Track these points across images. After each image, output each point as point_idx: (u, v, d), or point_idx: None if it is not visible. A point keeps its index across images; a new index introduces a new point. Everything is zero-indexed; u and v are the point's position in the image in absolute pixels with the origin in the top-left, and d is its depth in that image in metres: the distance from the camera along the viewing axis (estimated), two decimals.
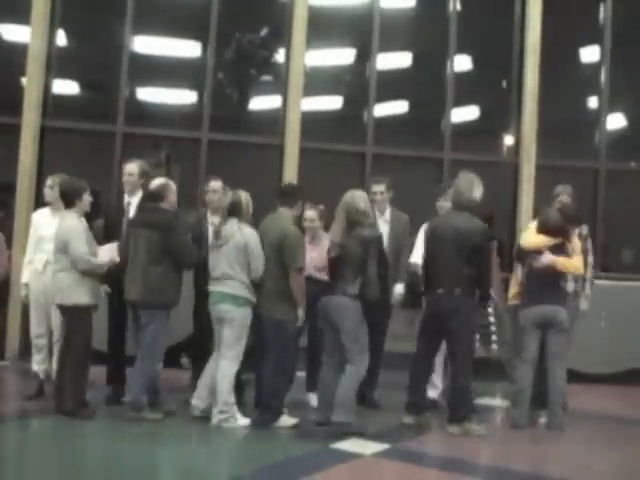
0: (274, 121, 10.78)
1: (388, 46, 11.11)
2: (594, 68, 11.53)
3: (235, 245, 6.71)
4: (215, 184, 7.67)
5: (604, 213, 10.74)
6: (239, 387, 7.09)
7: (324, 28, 10.94)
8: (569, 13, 11.44)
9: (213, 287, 6.84)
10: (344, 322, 6.66)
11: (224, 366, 6.70)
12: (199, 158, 10.37)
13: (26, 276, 7.52)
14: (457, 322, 6.76)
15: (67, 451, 5.91)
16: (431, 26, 11.61)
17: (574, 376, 8.49)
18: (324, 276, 7.20)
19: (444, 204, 7.75)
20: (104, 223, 7.60)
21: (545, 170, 10.75)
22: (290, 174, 10.20)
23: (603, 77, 11.38)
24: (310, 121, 10.53)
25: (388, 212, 7.89)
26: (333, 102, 11.46)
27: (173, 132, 10.58)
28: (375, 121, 10.90)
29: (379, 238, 6.97)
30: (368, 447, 6.19)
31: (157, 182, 7.10)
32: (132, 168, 7.54)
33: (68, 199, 6.94)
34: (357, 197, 6.89)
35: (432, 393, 7.79)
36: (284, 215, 7.00)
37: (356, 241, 6.68)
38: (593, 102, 11.66)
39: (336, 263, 6.80)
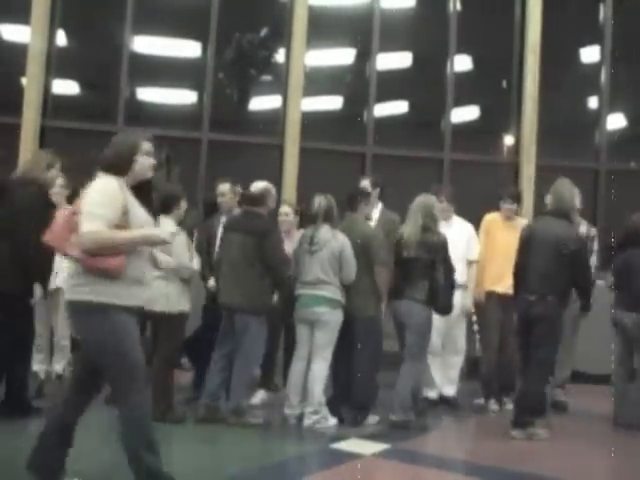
0: (274, 121, 10.78)
1: (388, 46, 11.11)
2: (594, 68, 11.54)
3: (330, 251, 6.83)
4: (223, 187, 7.66)
5: (604, 213, 10.74)
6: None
7: (324, 28, 10.95)
8: (569, 13, 11.45)
9: (305, 290, 6.93)
10: (411, 320, 6.87)
11: (317, 368, 6.82)
12: (199, 158, 10.38)
13: None
14: (545, 329, 6.72)
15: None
16: (431, 26, 11.61)
17: (575, 376, 8.50)
18: None
19: (441, 205, 7.81)
20: None
21: (545, 170, 10.74)
22: (290, 174, 10.21)
23: (603, 77, 11.39)
24: (310, 121, 10.53)
25: (378, 209, 7.84)
26: (333, 102, 11.46)
27: (173, 132, 10.55)
28: (375, 121, 10.91)
29: (445, 244, 7.01)
30: (368, 447, 6.18)
31: (259, 185, 7.07)
32: None
33: (166, 205, 6.92)
34: (433, 201, 7.11)
35: (432, 393, 7.83)
36: (360, 219, 7.18)
37: (426, 246, 6.83)
38: (593, 102, 11.67)
39: (405, 265, 6.95)
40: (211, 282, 7.44)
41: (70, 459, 4.71)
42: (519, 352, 7.08)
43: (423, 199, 7.12)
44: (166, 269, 6.72)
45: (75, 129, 10.20)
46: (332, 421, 6.82)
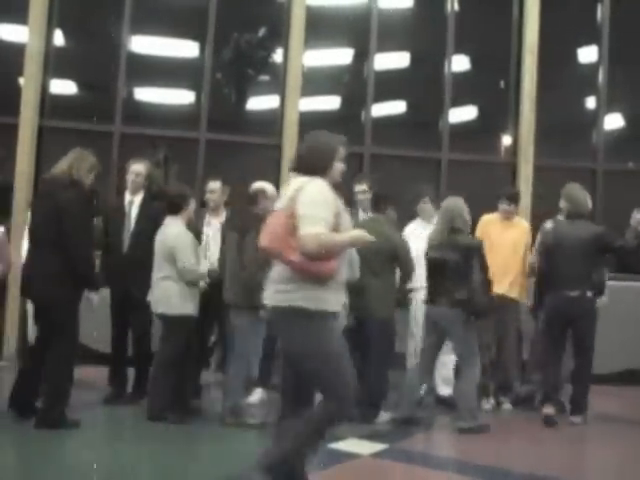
0: (272, 121, 10.77)
1: (386, 46, 11.10)
2: (592, 68, 11.54)
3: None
4: (214, 185, 7.69)
5: (602, 213, 10.73)
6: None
7: (322, 28, 10.94)
8: (567, 13, 11.44)
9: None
10: (453, 329, 6.92)
11: None
12: (197, 158, 10.37)
13: None
14: (588, 321, 7.28)
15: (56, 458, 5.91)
16: (429, 26, 11.61)
17: None
18: None
19: (425, 206, 7.93)
20: (103, 223, 7.60)
21: (543, 170, 10.75)
22: (288, 175, 10.18)
23: (601, 77, 11.39)
24: (308, 121, 10.51)
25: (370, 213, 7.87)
26: (331, 102, 11.45)
27: (171, 132, 10.56)
28: (373, 121, 10.91)
29: (480, 246, 7.06)
30: (366, 447, 6.19)
31: (255, 185, 7.11)
32: (139, 168, 7.54)
33: (174, 205, 6.91)
34: (463, 204, 7.16)
35: (447, 390, 7.82)
36: (382, 220, 7.18)
37: (458, 248, 6.87)
38: (591, 102, 11.67)
39: (434, 267, 7.02)
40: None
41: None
42: (549, 347, 7.37)
43: (452, 201, 7.20)
44: (167, 270, 6.74)
45: (73, 129, 10.17)
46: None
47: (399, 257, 7.05)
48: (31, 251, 6.45)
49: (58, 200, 6.19)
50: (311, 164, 4.56)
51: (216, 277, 7.03)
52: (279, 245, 4.32)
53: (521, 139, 10.96)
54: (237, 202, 7.26)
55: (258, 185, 7.14)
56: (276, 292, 4.41)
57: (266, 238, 4.40)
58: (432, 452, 6.56)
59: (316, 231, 4.21)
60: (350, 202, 7.82)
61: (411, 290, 7.64)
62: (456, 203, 7.17)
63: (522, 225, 8.33)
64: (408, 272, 7.15)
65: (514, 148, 11.16)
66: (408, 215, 8.26)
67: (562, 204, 7.66)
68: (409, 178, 10.10)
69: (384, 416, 7.04)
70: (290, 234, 4.28)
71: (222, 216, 7.60)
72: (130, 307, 7.30)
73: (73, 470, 5.38)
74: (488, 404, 7.85)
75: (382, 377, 7.04)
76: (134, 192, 7.51)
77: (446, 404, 7.81)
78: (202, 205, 7.93)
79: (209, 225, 7.57)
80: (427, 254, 7.12)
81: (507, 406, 7.92)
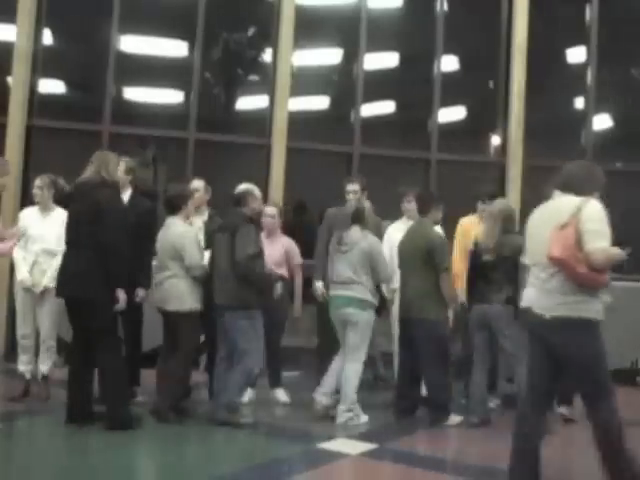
0: (261, 121, 10.76)
1: (375, 46, 11.11)
2: (581, 68, 11.58)
3: (360, 251, 7.01)
4: (197, 183, 7.74)
5: None
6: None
7: (311, 28, 10.94)
8: (556, 13, 11.49)
9: (337, 291, 7.14)
10: (502, 326, 7.01)
11: (349, 368, 6.99)
12: (186, 158, 10.34)
13: (23, 271, 7.42)
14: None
15: (49, 454, 5.90)
16: (418, 26, 11.63)
17: None
18: (283, 271, 7.64)
19: (408, 205, 8.03)
20: None
21: (532, 170, 10.77)
22: (277, 174, 10.19)
23: (589, 78, 11.43)
24: (297, 121, 10.52)
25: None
26: (320, 102, 11.46)
27: (160, 132, 10.55)
28: (362, 121, 10.91)
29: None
30: (356, 447, 6.18)
31: (241, 187, 7.18)
32: (122, 165, 7.52)
33: (174, 205, 6.98)
34: (511, 206, 7.40)
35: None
36: (425, 222, 7.33)
37: (510, 248, 6.95)
38: (580, 102, 11.71)
39: (485, 268, 7.11)
40: None
41: None
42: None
43: (499, 204, 7.34)
44: (174, 268, 6.80)
45: (61, 129, 10.15)
46: (364, 418, 7.01)
47: (435, 253, 7.10)
48: (67, 252, 6.47)
49: (94, 200, 6.26)
50: (583, 185, 5.03)
51: (203, 276, 7.03)
52: (570, 258, 4.64)
53: (510, 139, 10.99)
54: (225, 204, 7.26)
55: (245, 187, 7.16)
56: (562, 304, 4.71)
57: (557, 249, 4.68)
58: (421, 452, 6.54)
59: (603, 245, 4.63)
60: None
61: (394, 290, 7.68)
62: (506, 205, 7.36)
63: None
64: (441, 270, 7.19)
65: (503, 148, 11.19)
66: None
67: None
68: (398, 178, 10.11)
69: (454, 419, 7.14)
70: (577, 247, 4.64)
71: (205, 215, 7.61)
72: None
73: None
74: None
75: (440, 379, 7.13)
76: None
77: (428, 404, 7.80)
78: None
79: (192, 224, 7.57)
80: (478, 258, 7.20)
81: (493, 405, 7.93)
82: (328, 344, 7.56)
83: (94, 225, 6.20)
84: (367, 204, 7.86)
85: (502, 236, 7.08)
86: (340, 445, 6.21)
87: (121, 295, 6.39)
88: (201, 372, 8.04)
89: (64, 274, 6.39)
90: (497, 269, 7.07)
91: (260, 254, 6.84)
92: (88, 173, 6.48)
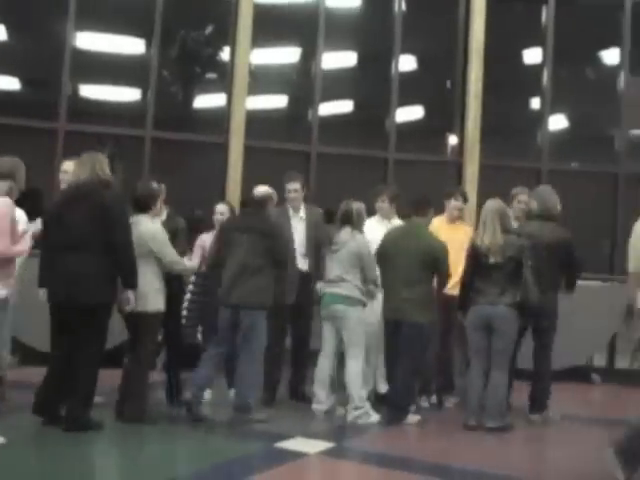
0: (219, 119, 10.73)
1: (333, 45, 11.13)
2: (537, 69, 11.68)
3: (349, 251, 7.17)
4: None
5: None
6: (178, 387, 7.23)
7: (270, 26, 10.92)
8: (513, 15, 11.59)
9: (327, 289, 7.29)
10: (505, 328, 7.06)
11: (350, 366, 7.13)
12: (143, 156, 10.28)
13: None
14: (549, 322, 7.47)
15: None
16: (376, 26, 11.65)
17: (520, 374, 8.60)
18: None
19: (382, 205, 8.03)
20: (43, 222, 7.49)
21: (489, 170, 10.87)
22: (235, 173, 10.18)
23: (545, 78, 11.53)
24: (255, 120, 10.51)
25: (302, 209, 7.93)
26: (278, 101, 11.45)
27: (117, 130, 10.47)
28: (320, 120, 10.91)
29: (529, 246, 7.24)
30: (313, 446, 6.18)
31: (261, 190, 7.44)
32: (68, 165, 7.43)
33: (144, 203, 6.86)
34: (504, 205, 7.37)
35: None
36: (421, 224, 7.41)
37: (513, 249, 7.07)
38: (536, 103, 11.82)
39: (490, 270, 7.11)
40: None
41: None
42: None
43: (494, 204, 7.30)
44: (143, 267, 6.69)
45: (17, 126, 10.02)
46: (375, 417, 7.10)
47: (437, 260, 7.16)
48: (66, 255, 6.23)
49: (98, 201, 6.18)
50: None
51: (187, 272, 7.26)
52: None
53: (467, 139, 11.06)
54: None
55: (265, 190, 7.46)
56: None
57: None
58: (378, 450, 6.54)
59: None
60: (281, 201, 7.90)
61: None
62: (500, 205, 7.33)
63: (465, 226, 8.47)
64: (445, 276, 7.29)
65: (460, 148, 11.26)
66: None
67: (532, 205, 7.79)
68: (356, 177, 10.14)
69: (412, 418, 7.16)
70: None
71: (163, 214, 7.53)
72: None
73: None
74: (425, 402, 7.88)
75: (412, 379, 7.21)
76: None
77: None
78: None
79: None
80: (482, 261, 7.18)
81: (449, 404, 7.98)
82: (277, 346, 7.63)
83: (101, 227, 6.12)
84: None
85: (504, 237, 7.13)
86: (297, 444, 6.20)
87: (131, 296, 6.40)
88: (158, 372, 7.98)
89: (66, 278, 6.19)
90: (502, 271, 7.09)
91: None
92: (83, 175, 6.35)
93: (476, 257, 7.20)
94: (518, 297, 7.03)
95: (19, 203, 7.40)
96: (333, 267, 7.24)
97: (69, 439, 6.03)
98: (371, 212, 8.00)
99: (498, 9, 11.14)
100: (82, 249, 6.18)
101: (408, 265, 7.12)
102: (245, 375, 6.85)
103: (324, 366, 7.29)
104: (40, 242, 7.36)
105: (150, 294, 6.67)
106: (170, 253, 6.78)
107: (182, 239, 7.35)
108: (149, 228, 6.78)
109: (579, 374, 9.83)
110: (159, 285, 6.77)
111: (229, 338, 6.91)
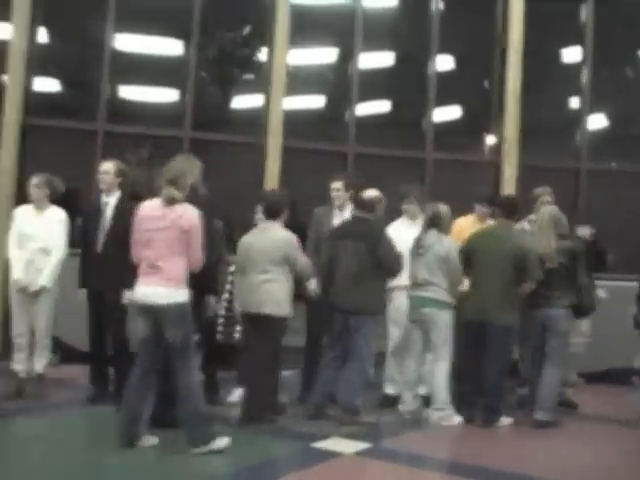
0: (256, 120, 10.75)
1: (371, 45, 11.11)
2: (576, 68, 11.59)
3: (436, 254, 7.24)
4: None
5: (585, 213, 10.77)
6: (214, 387, 7.31)
7: (307, 27, 10.93)
8: (551, 13, 11.49)
9: (415, 292, 7.36)
10: (559, 328, 7.28)
11: (437, 368, 7.21)
12: None
13: (18, 270, 7.40)
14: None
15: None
16: (413, 25, 11.62)
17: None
18: None
19: (409, 206, 8.05)
20: (82, 223, 7.58)
21: (527, 170, 10.79)
22: (272, 173, 10.20)
23: (585, 77, 11.44)
24: (292, 120, 10.53)
25: (349, 210, 7.87)
26: (315, 101, 11.46)
27: (155, 130, 10.53)
28: (357, 120, 10.91)
29: (584, 250, 7.50)
30: (350, 446, 6.20)
31: (370, 193, 7.51)
32: (107, 166, 7.50)
33: (275, 211, 7.05)
34: (558, 211, 7.54)
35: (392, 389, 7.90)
36: (511, 226, 7.55)
37: (566, 253, 7.29)
38: (575, 102, 11.72)
39: (548, 275, 7.26)
40: None
41: None
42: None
43: (550, 210, 7.54)
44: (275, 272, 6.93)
45: (56, 127, 10.14)
46: (457, 419, 7.21)
47: (527, 262, 7.20)
48: None
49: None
50: None
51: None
52: None
53: (505, 139, 10.99)
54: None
55: (375, 193, 7.56)
56: None
57: None
58: (414, 451, 6.52)
59: None
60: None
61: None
62: (555, 211, 7.51)
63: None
64: (530, 278, 7.29)
65: (498, 148, 11.19)
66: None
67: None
68: (393, 178, 10.12)
69: (505, 420, 7.25)
70: None
71: None
72: (104, 307, 7.28)
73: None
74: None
75: (501, 380, 7.27)
76: (107, 192, 7.46)
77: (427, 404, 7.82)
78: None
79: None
80: (540, 262, 7.31)
81: None
82: (315, 344, 7.71)
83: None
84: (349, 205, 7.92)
85: (560, 242, 7.31)
86: (334, 444, 6.23)
87: (211, 300, 6.87)
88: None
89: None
90: (556, 275, 7.25)
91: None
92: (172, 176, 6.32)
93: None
94: (575, 300, 7.27)
95: (60, 203, 7.53)
96: (419, 270, 7.29)
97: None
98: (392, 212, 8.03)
99: (536, 7, 11.05)
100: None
101: (496, 266, 7.21)
102: (351, 379, 6.99)
103: (411, 368, 7.38)
104: (80, 243, 7.49)
105: (282, 300, 6.89)
106: (303, 259, 7.00)
107: (219, 241, 7.32)
108: (284, 235, 6.99)
109: (619, 377, 9.74)
110: (289, 291, 6.97)
111: (339, 343, 7.13)
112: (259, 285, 6.90)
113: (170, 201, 5.79)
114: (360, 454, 6.06)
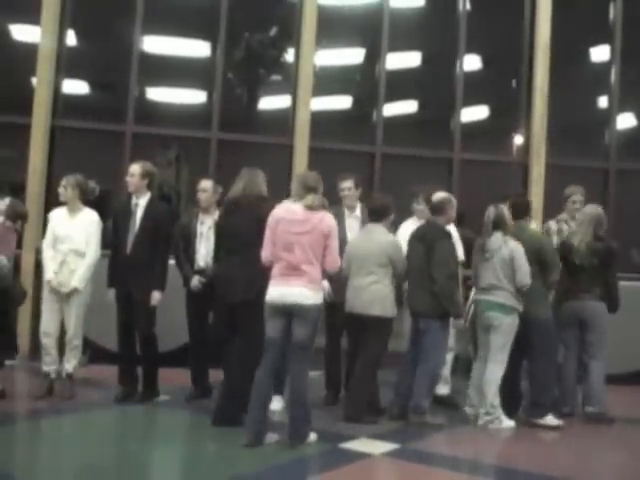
0: (283, 121, 10.78)
1: (397, 46, 11.10)
2: (604, 67, 11.52)
3: (501, 258, 7.17)
4: (205, 184, 7.80)
5: (614, 213, 10.70)
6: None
7: (333, 28, 10.95)
8: (579, 12, 11.43)
9: (481, 296, 7.33)
10: (597, 322, 7.47)
11: (491, 370, 7.16)
12: (209, 158, 10.37)
13: (51, 271, 7.46)
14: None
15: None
16: (441, 25, 11.60)
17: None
18: None
19: (419, 207, 8.00)
20: (112, 224, 7.62)
21: (555, 170, 10.74)
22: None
23: (613, 76, 11.37)
24: (319, 121, 10.53)
25: (359, 209, 7.90)
26: (342, 102, 11.46)
27: (182, 132, 10.58)
28: (384, 121, 10.90)
29: (615, 249, 7.59)
30: (377, 447, 6.19)
31: (439, 195, 7.49)
32: (134, 169, 7.54)
33: (381, 214, 7.24)
34: (601, 212, 7.65)
35: (444, 389, 7.84)
36: (525, 225, 7.53)
37: (600, 255, 7.45)
38: (603, 101, 11.65)
39: (578, 270, 7.47)
40: (194, 282, 7.57)
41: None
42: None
43: (593, 209, 7.64)
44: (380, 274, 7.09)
45: (85, 129, 10.22)
46: (507, 422, 7.15)
47: (546, 253, 7.27)
48: (227, 259, 6.72)
49: (258, 212, 6.48)
50: None
51: (210, 276, 7.31)
52: None
53: (533, 138, 10.95)
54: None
55: (444, 195, 7.50)
56: None
57: None
58: (442, 452, 6.51)
59: None
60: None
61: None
62: (599, 212, 7.60)
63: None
64: (552, 268, 7.34)
65: (526, 147, 11.15)
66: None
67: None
68: (421, 178, 10.09)
69: (552, 420, 7.22)
70: None
71: (215, 214, 7.59)
72: (133, 308, 7.32)
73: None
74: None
75: (548, 376, 7.29)
76: (136, 193, 7.49)
77: (445, 403, 7.80)
78: None
79: (202, 224, 7.68)
80: (572, 260, 7.48)
81: None
82: (336, 344, 7.74)
83: (253, 235, 6.38)
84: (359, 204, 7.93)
85: (594, 242, 7.44)
86: (362, 445, 6.22)
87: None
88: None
89: (232, 280, 6.56)
90: (587, 272, 7.43)
91: (457, 270, 7.35)
92: (242, 189, 6.81)
93: (565, 256, 7.49)
94: (604, 292, 7.45)
95: (91, 205, 7.59)
96: (486, 275, 7.24)
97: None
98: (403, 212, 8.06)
99: (564, 6, 11.00)
100: (238, 253, 6.59)
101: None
102: (419, 380, 7.02)
103: (479, 372, 7.33)
104: (110, 244, 7.54)
105: (389, 300, 7.06)
106: (403, 262, 7.15)
107: None
108: (390, 238, 7.23)
109: None
110: (392, 293, 7.12)
111: (415, 344, 7.21)
112: (366, 287, 7.05)
113: (313, 207, 6.13)
114: (388, 455, 6.05)
